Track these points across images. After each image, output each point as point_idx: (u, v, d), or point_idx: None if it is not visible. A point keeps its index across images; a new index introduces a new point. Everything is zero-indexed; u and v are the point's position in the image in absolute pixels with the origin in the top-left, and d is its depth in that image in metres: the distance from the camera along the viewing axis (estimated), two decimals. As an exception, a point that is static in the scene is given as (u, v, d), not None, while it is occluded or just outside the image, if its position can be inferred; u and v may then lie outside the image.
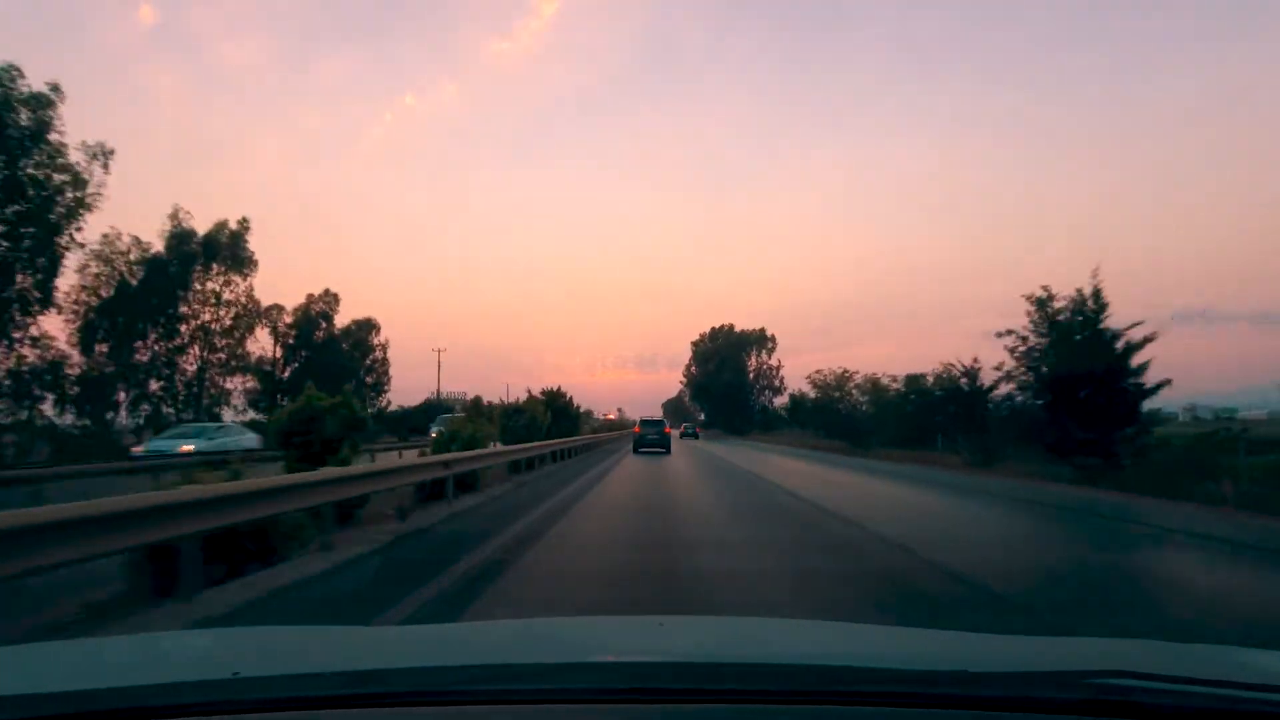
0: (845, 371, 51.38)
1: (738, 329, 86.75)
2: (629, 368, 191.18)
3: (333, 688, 1.02)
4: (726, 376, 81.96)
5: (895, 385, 38.66)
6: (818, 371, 53.36)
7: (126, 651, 1.42)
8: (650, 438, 28.80)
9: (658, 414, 41.73)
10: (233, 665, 1.08)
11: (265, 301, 35.69)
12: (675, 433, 49.46)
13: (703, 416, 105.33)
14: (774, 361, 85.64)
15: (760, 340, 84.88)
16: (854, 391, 50.01)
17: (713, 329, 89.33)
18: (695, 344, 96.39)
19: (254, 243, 31.08)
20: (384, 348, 55.19)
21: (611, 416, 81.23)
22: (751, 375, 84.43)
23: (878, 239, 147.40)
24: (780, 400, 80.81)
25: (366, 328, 54.86)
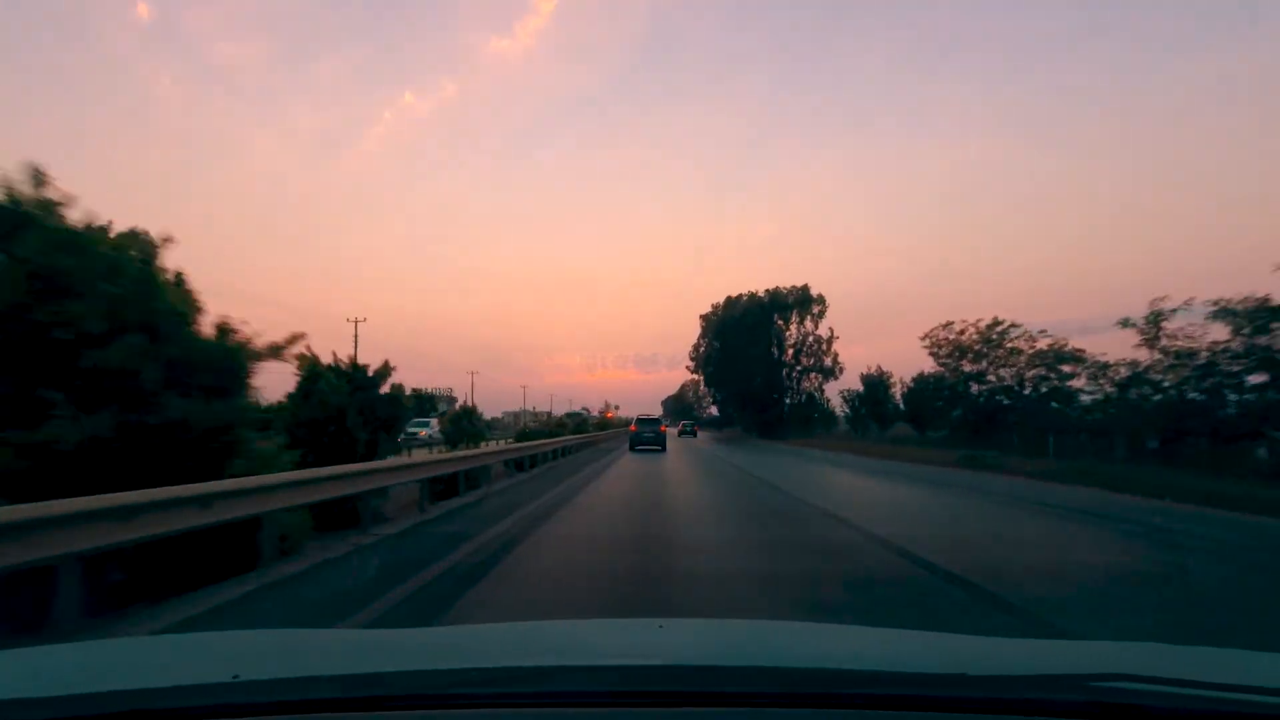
0: (998, 323, 28.98)
1: (766, 290, 62.03)
2: (629, 367, 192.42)
3: (332, 690, 1.03)
4: (755, 353, 58.83)
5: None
6: (945, 324, 31.10)
7: (126, 653, 1.42)
8: (646, 435, 30.23)
9: (656, 412, 43.41)
10: (232, 667, 1.08)
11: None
12: (673, 431, 50.25)
13: (715, 411, 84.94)
14: (823, 331, 60.53)
15: (802, 302, 60.24)
16: (1010, 359, 27.34)
17: (728, 298, 66.42)
18: (706, 317, 74.79)
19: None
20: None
21: (609, 416, 77.46)
22: (790, 352, 61.09)
23: (875, 238, 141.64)
24: (836, 386, 58.46)
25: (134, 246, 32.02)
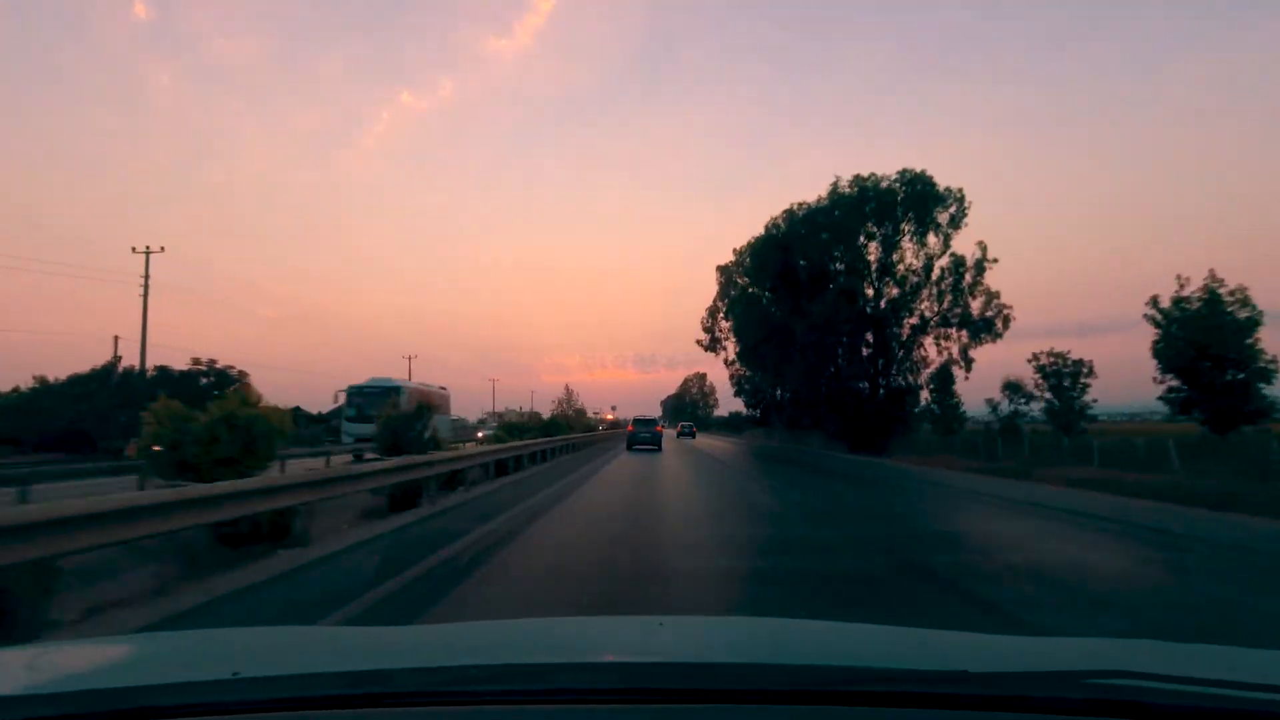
0: None
1: (849, 179, 33.76)
2: (629, 367, 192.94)
3: (333, 688, 1.03)
4: (830, 294, 31.63)
5: None
6: None
7: (126, 651, 1.44)
8: (643, 435, 30.16)
9: (654, 413, 45.22)
10: (233, 665, 1.09)
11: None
12: (672, 432, 51.46)
13: (744, 410, 62.45)
14: (963, 248, 33.01)
15: (917, 201, 31.95)
16: None
17: (763, 232, 39.93)
18: (726, 269, 50.68)
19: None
20: None
21: (608, 417, 72.28)
22: (894, 292, 33.22)
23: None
24: (993, 352, 32.22)
25: None
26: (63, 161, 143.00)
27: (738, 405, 70.09)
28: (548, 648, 1.41)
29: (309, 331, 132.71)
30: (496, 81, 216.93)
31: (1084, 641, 1.60)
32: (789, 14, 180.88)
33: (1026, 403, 32.39)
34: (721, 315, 55.97)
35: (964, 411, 35.69)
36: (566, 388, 45.42)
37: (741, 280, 47.97)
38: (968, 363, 31.16)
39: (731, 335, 53.00)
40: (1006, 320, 30.56)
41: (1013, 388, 32.51)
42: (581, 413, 60.24)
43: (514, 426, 25.41)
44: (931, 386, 31.89)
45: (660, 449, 28.60)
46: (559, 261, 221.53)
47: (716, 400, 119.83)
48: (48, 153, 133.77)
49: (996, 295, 30.68)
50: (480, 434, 30.78)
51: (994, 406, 33.42)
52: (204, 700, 0.96)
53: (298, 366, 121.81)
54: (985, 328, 30.96)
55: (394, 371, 48.84)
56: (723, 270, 54.86)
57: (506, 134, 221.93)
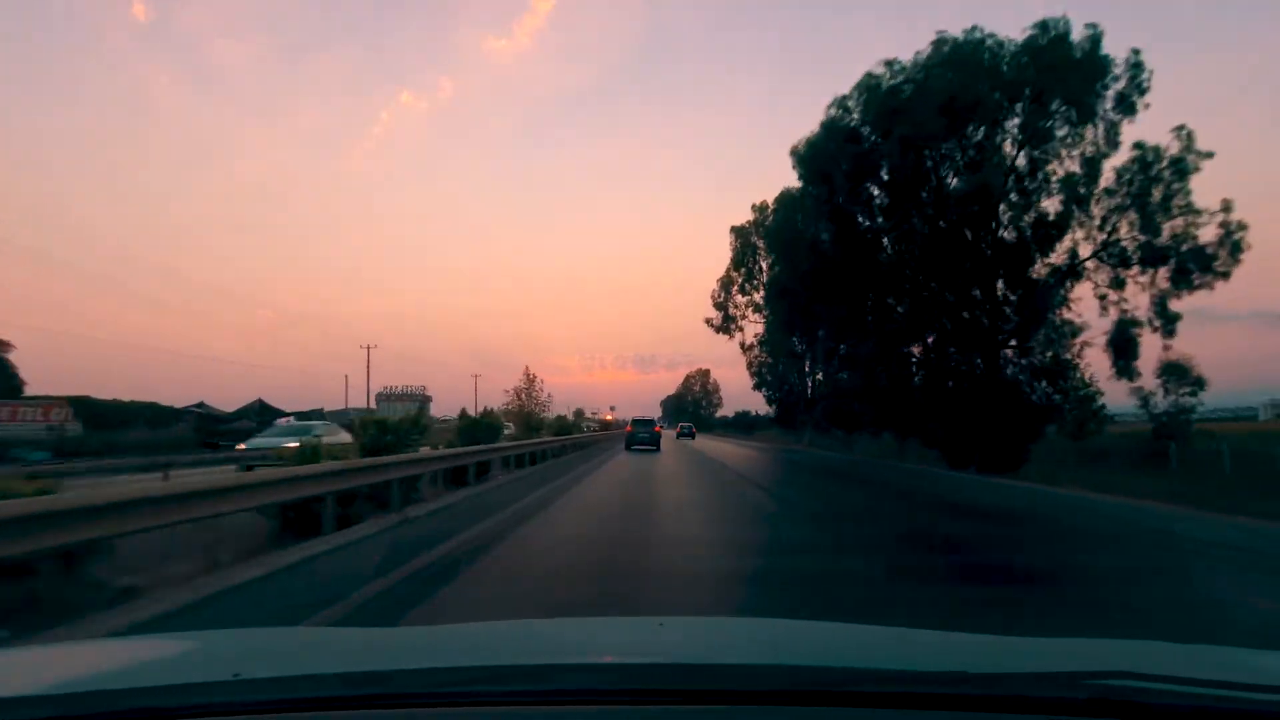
0: None
1: (963, 35, 21.08)
2: (629, 368, 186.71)
3: (333, 689, 1.02)
4: (938, 197, 19.04)
5: None
6: None
7: (127, 652, 1.42)
8: (642, 435, 30.65)
9: (654, 414, 47.42)
10: (233, 666, 1.09)
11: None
12: (671, 433, 50.22)
13: (759, 408, 55.04)
14: (1152, 136, 19.35)
15: (1070, 68, 18.31)
16: None
17: (812, 140, 27.56)
18: (740, 229, 40.05)
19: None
20: None
21: (608, 417, 68.72)
22: (1069, 191, 19.55)
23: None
24: (1206, 305, 21.32)
25: None
26: (60, 161, 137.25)
27: (747, 404, 59.60)
28: (547, 648, 1.39)
29: (308, 332, 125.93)
30: (496, 81, 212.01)
31: (1084, 642, 1.48)
32: (789, 14, 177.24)
33: (1195, 394, 22.00)
34: (737, 288, 44.55)
35: (1104, 408, 24.52)
36: (526, 370, 33.97)
37: (763, 234, 36.66)
38: (1167, 321, 19.18)
39: (750, 311, 40.91)
40: (1236, 248, 18.57)
41: (1176, 371, 21.79)
42: (580, 413, 48.04)
43: (388, 426, 13.23)
44: (1109, 359, 19.87)
45: (659, 449, 28.93)
46: (559, 261, 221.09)
47: (721, 399, 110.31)
48: (46, 152, 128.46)
49: (1226, 208, 18.34)
50: (241, 446, 15.55)
51: (1145, 399, 22.68)
52: (204, 701, 0.96)
53: (297, 366, 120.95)
54: (1199, 263, 18.74)
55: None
56: (738, 232, 43.50)
57: (506, 134, 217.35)
